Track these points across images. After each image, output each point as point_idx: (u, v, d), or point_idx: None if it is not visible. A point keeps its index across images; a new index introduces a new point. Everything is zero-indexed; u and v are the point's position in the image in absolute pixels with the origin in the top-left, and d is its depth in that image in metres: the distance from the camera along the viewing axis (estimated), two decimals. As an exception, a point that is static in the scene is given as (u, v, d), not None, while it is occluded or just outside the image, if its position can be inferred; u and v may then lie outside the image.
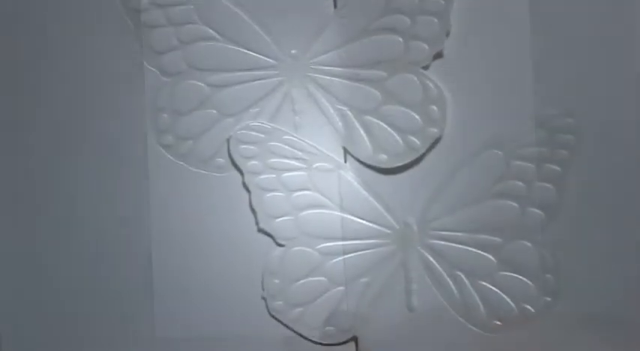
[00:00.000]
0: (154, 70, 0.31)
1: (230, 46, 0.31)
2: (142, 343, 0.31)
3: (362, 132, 0.31)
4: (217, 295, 0.31)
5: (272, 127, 0.31)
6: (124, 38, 0.31)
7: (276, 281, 0.31)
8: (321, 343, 0.31)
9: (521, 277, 0.31)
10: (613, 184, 0.31)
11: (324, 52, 0.31)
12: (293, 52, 0.31)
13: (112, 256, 0.32)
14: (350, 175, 0.31)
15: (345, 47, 0.31)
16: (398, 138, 0.31)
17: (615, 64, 0.31)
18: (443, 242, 0.31)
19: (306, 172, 0.31)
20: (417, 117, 0.31)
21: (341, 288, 0.31)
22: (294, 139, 0.31)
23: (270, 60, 0.31)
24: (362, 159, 0.31)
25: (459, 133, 0.31)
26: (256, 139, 0.31)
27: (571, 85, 0.31)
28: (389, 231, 0.31)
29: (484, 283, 0.31)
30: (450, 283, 0.31)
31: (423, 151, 0.31)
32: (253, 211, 0.31)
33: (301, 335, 0.31)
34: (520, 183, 0.31)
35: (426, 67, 0.31)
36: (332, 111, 0.31)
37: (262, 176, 0.31)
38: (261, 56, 0.31)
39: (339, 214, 0.31)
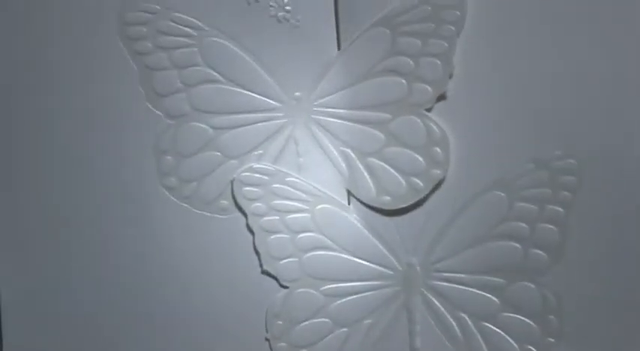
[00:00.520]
0: (157, 112, 0.31)
1: (234, 89, 0.31)
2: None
3: (365, 174, 0.31)
4: (221, 337, 0.31)
5: (276, 169, 0.31)
6: (127, 81, 0.31)
7: (280, 323, 0.31)
8: (324, 385, 0.31)
9: (524, 318, 0.31)
10: (616, 225, 0.31)
11: (327, 94, 0.31)
12: (297, 94, 0.31)
13: (118, 296, 0.31)
14: (353, 217, 0.31)
15: (348, 89, 0.31)
16: (401, 180, 0.31)
17: (617, 105, 0.31)
18: (446, 283, 0.31)
19: (310, 213, 0.31)
20: (420, 159, 0.31)
21: (344, 329, 0.31)
22: (298, 180, 0.31)
23: (274, 102, 0.32)
24: (365, 201, 0.31)
25: (462, 175, 0.31)
26: (260, 181, 0.31)
27: (573, 126, 0.31)
28: (392, 272, 0.31)
29: (487, 325, 0.31)
30: (454, 324, 0.31)
31: (426, 192, 0.31)
32: (257, 252, 0.31)
33: (305, 377, 0.31)
34: (523, 224, 0.31)
35: (429, 109, 0.31)
36: (335, 153, 0.31)
37: (266, 218, 0.31)
38: (264, 98, 0.31)
39: (342, 255, 0.31)
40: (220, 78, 0.31)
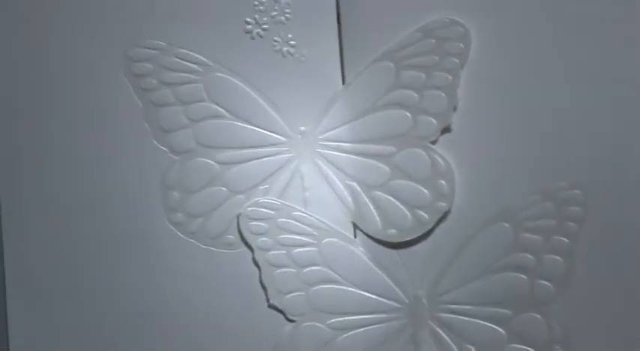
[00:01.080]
0: (163, 148, 0.31)
1: (239, 124, 0.32)
2: None
3: (371, 207, 0.31)
4: (228, 372, 0.31)
5: (281, 204, 0.31)
6: (133, 117, 0.31)
7: (287, 356, 0.31)
8: None
9: (530, 349, 0.31)
10: (621, 256, 0.31)
11: (332, 127, 0.32)
12: (302, 128, 0.32)
13: (124, 331, 0.32)
14: (360, 250, 0.31)
15: (353, 123, 0.31)
16: (407, 212, 0.31)
17: (623, 138, 0.31)
18: (453, 315, 0.31)
19: (316, 247, 0.31)
20: (425, 191, 0.31)
21: (352, 363, 0.31)
22: (304, 214, 0.31)
23: (280, 137, 0.32)
24: (371, 234, 0.31)
25: (467, 207, 0.31)
26: (266, 215, 0.31)
27: (578, 157, 0.31)
28: (399, 305, 0.31)
29: (494, 356, 0.31)
30: (461, 356, 0.31)
31: (431, 225, 0.31)
32: (263, 287, 0.31)
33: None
34: (529, 255, 0.31)
35: (434, 142, 0.31)
36: (341, 186, 0.31)
37: (272, 252, 0.31)
38: (270, 133, 0.32)
39: (349, 288, 0.31)
40: (225, 113, 0.31)
